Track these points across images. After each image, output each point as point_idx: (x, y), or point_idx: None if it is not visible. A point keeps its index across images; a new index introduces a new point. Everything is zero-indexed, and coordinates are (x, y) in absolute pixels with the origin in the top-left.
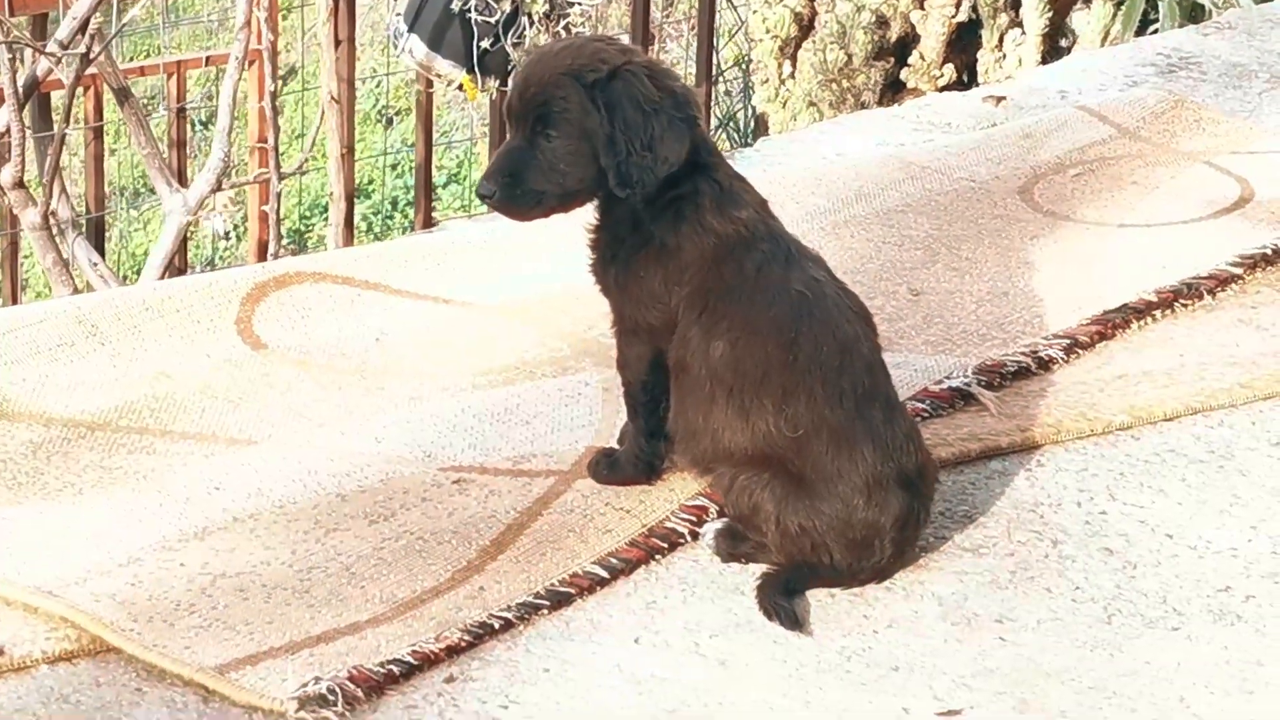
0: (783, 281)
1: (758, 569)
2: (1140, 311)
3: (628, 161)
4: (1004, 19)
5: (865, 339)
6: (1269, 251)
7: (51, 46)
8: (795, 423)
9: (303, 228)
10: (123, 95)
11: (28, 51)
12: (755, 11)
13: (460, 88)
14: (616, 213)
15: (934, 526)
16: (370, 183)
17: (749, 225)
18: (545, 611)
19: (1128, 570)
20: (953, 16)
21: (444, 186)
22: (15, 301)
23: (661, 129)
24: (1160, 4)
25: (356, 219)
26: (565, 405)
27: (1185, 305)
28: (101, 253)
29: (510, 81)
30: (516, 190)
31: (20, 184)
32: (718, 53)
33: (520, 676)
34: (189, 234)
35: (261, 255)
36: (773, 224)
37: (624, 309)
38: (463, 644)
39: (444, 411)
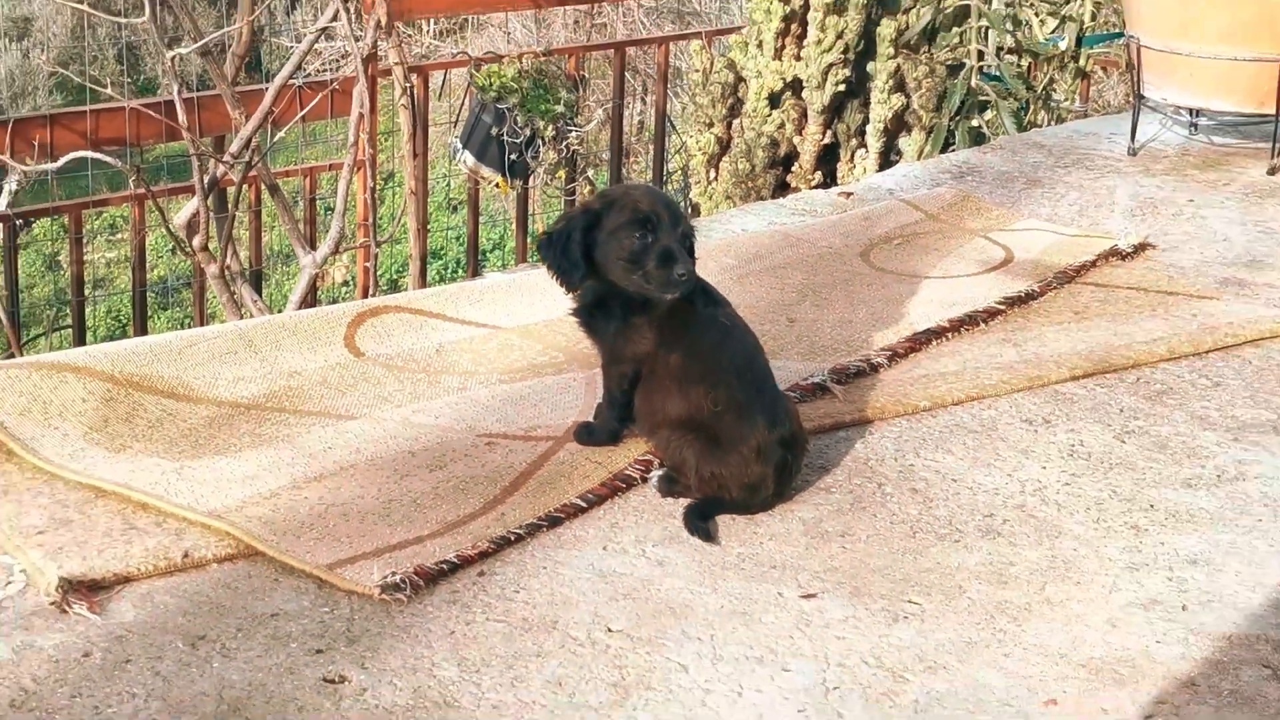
0: (712, 317)
1: (685, 501)
2: (938, 333)
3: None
4: (854, 142)
5: (759, 351)
6: (1022, 295)
7: (226, 157)
8: (717, 401)
9: (394, 277)
10: (274, 189)
11: (210, 159)
12: (691, 137)
13: (497, 186)
14: (617, 291)
15: (801, 474)
16: (441, 249)
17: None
18: (544, 529)
19: (927, 503)
20: (820, 140)
21: (490, 251)
22: (203, 324)
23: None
24: (956, 133)
25: (431, 274)
26: (560, 393)
27: (967, 329)
28: (260, 294)
29: (647, 199)
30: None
31: (205, 248)
32: (667, 163)
33: (527, 572)
34: (317, 282)
35: (365, 297)
36: (703, 280)
37: (618, 350)
38: (490, 550)
39: (480, 397)
